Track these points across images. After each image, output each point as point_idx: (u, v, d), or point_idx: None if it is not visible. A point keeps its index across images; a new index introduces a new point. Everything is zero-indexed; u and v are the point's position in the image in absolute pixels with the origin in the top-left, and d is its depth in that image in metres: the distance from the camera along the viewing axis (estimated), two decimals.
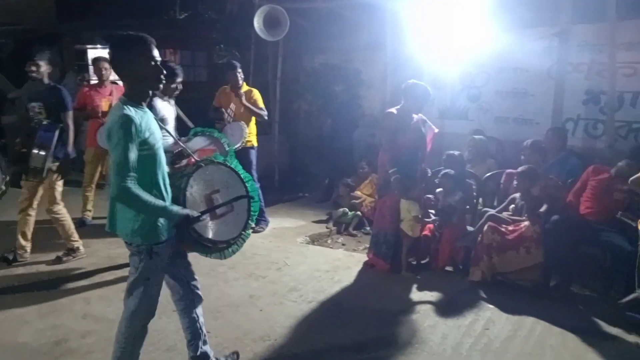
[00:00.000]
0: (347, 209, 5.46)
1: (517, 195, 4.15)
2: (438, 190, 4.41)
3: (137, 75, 2.17)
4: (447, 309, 3.56)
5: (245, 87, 4.96)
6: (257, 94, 4.94)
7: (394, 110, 4.07)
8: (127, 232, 2.20)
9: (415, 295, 3.81)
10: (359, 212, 5.41)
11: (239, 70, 4.85)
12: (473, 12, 5.31)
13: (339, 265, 4.34)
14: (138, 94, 2.21)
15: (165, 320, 3.25)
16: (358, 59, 7.24)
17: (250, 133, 4.88)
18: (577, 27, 4.88)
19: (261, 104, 4.90)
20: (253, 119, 4.97)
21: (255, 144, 5.05)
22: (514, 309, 3.52)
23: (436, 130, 4.26)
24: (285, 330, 3.23)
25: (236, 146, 4.64)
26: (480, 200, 4.68)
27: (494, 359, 2.94)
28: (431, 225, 4.24)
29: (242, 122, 4.69)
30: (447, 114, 6.44)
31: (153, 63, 2.18)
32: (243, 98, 4.64)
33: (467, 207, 4.39)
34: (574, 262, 3.85)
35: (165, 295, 3.58)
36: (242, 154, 4.42)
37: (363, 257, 4.44)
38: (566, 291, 3.80)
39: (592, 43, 5.08)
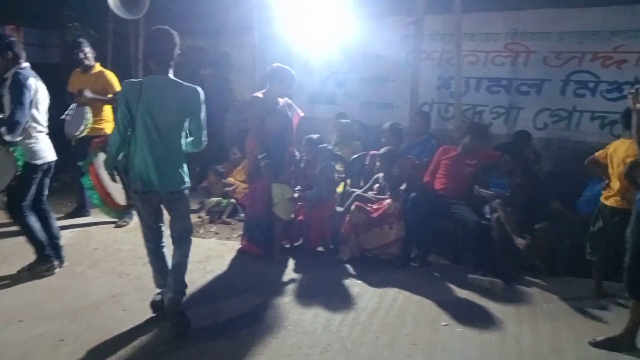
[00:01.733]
0: (220, 198, 5.33)
1: (381, 175, 4.40)
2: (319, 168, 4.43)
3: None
4: (318, 288, 3.66)
5: (97, 68, 4.53)
6: (110, 77, 4.54)
7: (259, 94, 4.03)
8: (185, 180, 2.93)
9: (288, 277, 3.85)
10: (232, 200, 5.31)
11: (86, 49, 4.41)
12: None
13: (211, 255, 4.22)
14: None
15: (12, 330, 2.92)
16: (226, 42, 7.04)
17: (104, 119, 4.48)
18: (429, 18, 5.25)
19: (117, 86, 4.52)
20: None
21: (109, 132, 4.65)
22: (379, 282, 3.74)
23: (302, 114, 4.30)
24: (153, 327, 3.05)
25: (76, 134, 4.24)
26: (348, 181, 4.87)
27: (361, 331, 3.08)
28: (302, 209, 4.30)
29: (87, 107, 4.28)
30: (316, 98, 6.60)
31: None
32: (87, 92, 4.24)
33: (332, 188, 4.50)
34: (430, 234, 4.19)
35: (7, 307, 3.21)
36: None
37: (237, 245, 4.37)
38: (424, 261, 4.13)
39: (442, 33, 5.54)
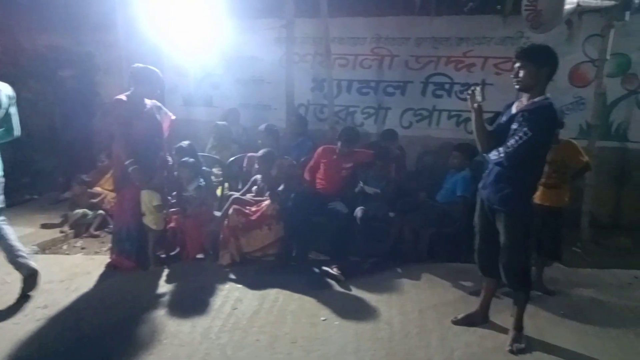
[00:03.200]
0: (86, 209, 4.91)
1: (259, 177, 4.40)
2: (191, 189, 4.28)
3: None
4: (197, 296, 3.55)
5: None
6: None
7: (123, 97, 3.79)
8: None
9: (164, 288, 3.68)
10: (101, 211, 4.93)
11: None
12: None
13: (76, 272, 3.88)
14: None
15: None
16: (90, 42, 6.53)
17: None
18: (299, 21, 5.36)
19: None
20: None
21: None
22: (260, 284, 3.73)
23: (173, 117, 4.14)
24: (6, 358, 2.72)
25: None
26: (226, 184, 4.80)
27: (241, 335, 3.06)
28: (177, 217, 4.14)
29: None
30: (192, 101, 6.41)
31: None
32: None
33: (208, 193, 4.40)
34: (309, 232, 4.27)
35: None
36: None
37: (106, 259, 4.07)
38: (304, 259, 4.22)
39: (312, 36, 5.69)
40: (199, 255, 4.24)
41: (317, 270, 4.03)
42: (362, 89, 5.86)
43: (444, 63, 5.58)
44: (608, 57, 4.57)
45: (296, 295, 3.58)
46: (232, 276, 3.90)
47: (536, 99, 2.72)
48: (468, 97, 2.85)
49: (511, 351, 2.87)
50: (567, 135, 4.34)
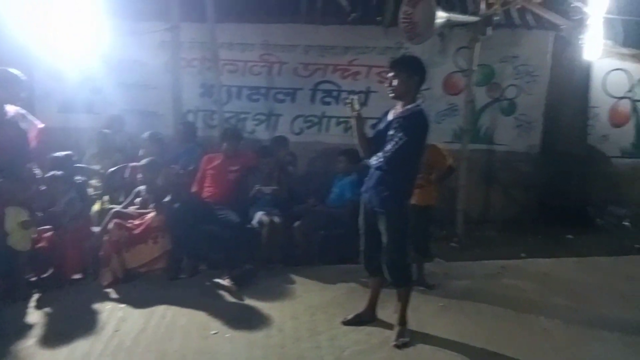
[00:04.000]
0: None
1: (143, 187, 4.18)
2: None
3: None
4: (74, 321, 3.26)
5: None
6: None
7: None
8: None
9: (35, 315, 3.33)
10: None
11: None
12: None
13: None
14: None
15: None
16: None
17: None
18: (185, 25, 5.20)
19: None
20: None
21: None
22: (147, 301, 3.53)
23: (40, 126, 3.78)
24: None
25: None
26: (106, 197, 4.48)
27: (126, 356, 2.88)
28: (48, 234, 3.77)
29: None
30: (70, 107, 5.90)
31: None
32: None
33: (83, 206, 4.06)
34: (198, 242, 4.12)
35: None
36: None
37: None
38: (195, 271, 4.07)
39: (200, 41, 5.53)
40: (77, 276, 3.90)
41: (208, 282, 3.93)
42: (252, 96, 5.83)
43: (331, 71, 5.75)
44: (475, 67, 5.02)
45: (185, 310, 3.44)
46: (115, 295, 3.65)
47: (409, 106, 2.91)
48: (348, 105, 2.96)
49: (396, 346, 3.02)
50: (442, 140, 4.72)
